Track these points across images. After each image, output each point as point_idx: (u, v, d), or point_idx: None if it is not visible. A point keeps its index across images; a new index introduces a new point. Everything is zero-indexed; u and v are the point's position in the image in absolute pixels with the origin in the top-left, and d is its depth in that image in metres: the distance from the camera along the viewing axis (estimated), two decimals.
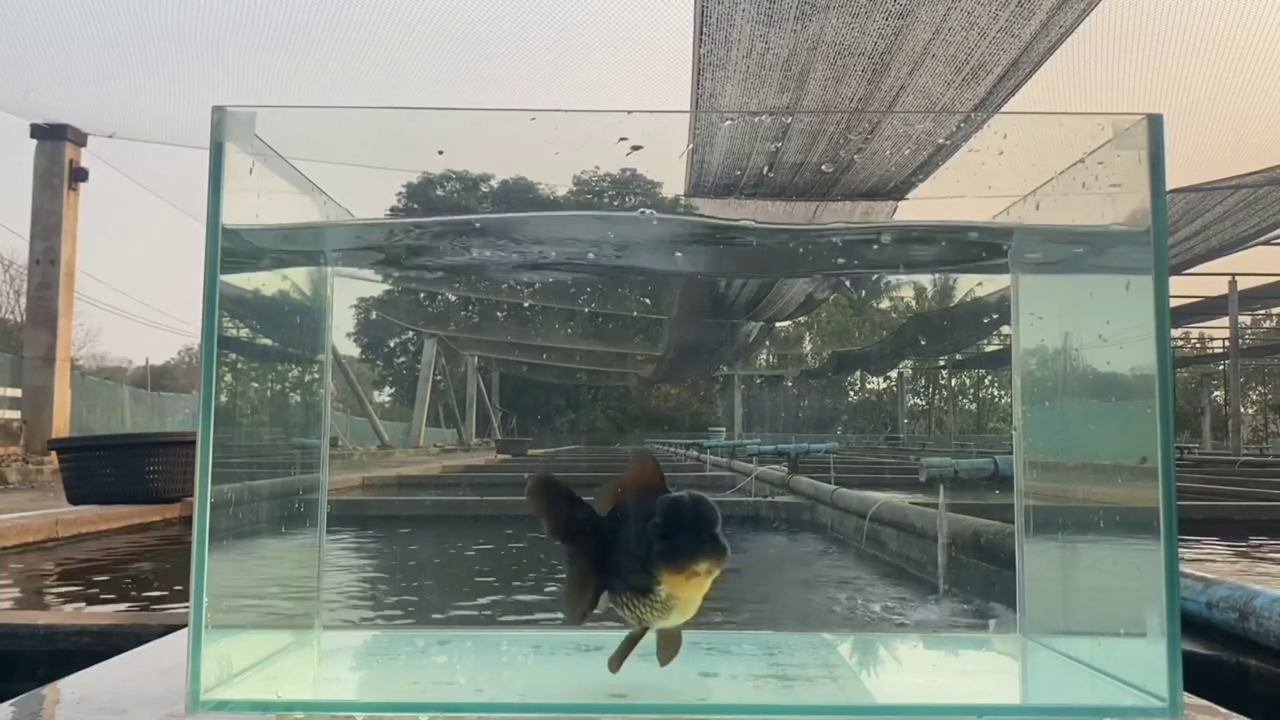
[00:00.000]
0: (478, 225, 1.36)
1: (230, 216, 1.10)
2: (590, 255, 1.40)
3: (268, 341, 1.33)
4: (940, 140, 1.38)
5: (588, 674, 1.16)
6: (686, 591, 1.05)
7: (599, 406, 43.02)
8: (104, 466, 5.81)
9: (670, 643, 1.15)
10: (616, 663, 1.13)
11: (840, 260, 1.39)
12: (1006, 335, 1.45)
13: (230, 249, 1.11)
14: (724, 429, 27.58)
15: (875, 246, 1.39)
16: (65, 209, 11.29)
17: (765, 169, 9.12)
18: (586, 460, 17.75)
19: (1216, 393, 35.61)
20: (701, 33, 6.90)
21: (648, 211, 1.27)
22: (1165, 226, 1.08)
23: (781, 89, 7.71)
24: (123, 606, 3.18)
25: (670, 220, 1.33)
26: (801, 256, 1.41)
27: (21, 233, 12.06)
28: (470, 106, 1.27)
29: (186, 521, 5.09)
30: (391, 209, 1.45)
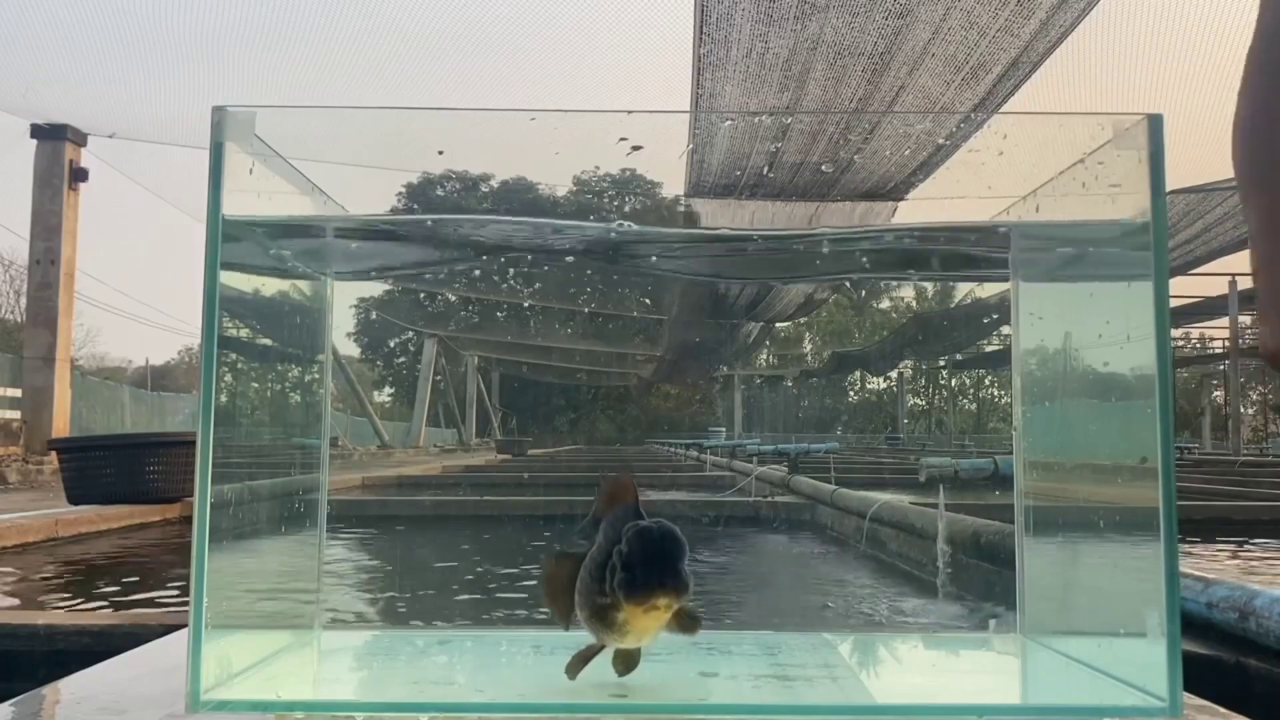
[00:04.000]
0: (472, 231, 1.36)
1: (230, 216, 1.10)
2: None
3: (268, 342, 1.33)
4: (940, 140, 1.38)
5: (587, 673, 1.15)
6: (643, 622, 1.07)
7: (599, 406, 43.04)
8: (104, 466, 5.80)
9: (628, 660, 1.16)
10: (574, 670, 1.14)
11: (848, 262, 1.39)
12: (1007, 335, 1.45)
13: (230, 249, 1.11)
14: (724, 429, 27.61)
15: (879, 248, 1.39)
16: (65, 209, 11.28)
17: (765, 169, 9.11)
18: (586, 460, 17.75)
19: (1216, 393, 35.61)
20: (701, 32, 6.90)
21: (625, 224, 1.27)
22: (1165, 227, 1.08)
23: (781, 89, 7.71)
24: (122, 606, 3.18)
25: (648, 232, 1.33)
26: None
27: (21, 233, 12.06)
28: (470, 106, 1.27)
29: (186, 521, 5.09)
30: (391, 210, 1.45)
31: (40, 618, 2.07)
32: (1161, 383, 1.06)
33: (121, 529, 5.29)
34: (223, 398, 1.13)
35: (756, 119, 10.74)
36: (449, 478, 11.30)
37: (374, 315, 35.89)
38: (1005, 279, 1.44)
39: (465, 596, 3.63)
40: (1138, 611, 1.10)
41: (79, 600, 3.36)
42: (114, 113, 10.54)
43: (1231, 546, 4.60)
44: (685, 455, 19.13)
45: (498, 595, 3.63)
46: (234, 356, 1.22)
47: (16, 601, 3.34)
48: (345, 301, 1.46)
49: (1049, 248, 1.40)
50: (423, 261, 1.52)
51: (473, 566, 4.48)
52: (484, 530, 5.98)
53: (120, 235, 65.14)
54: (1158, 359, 1.06)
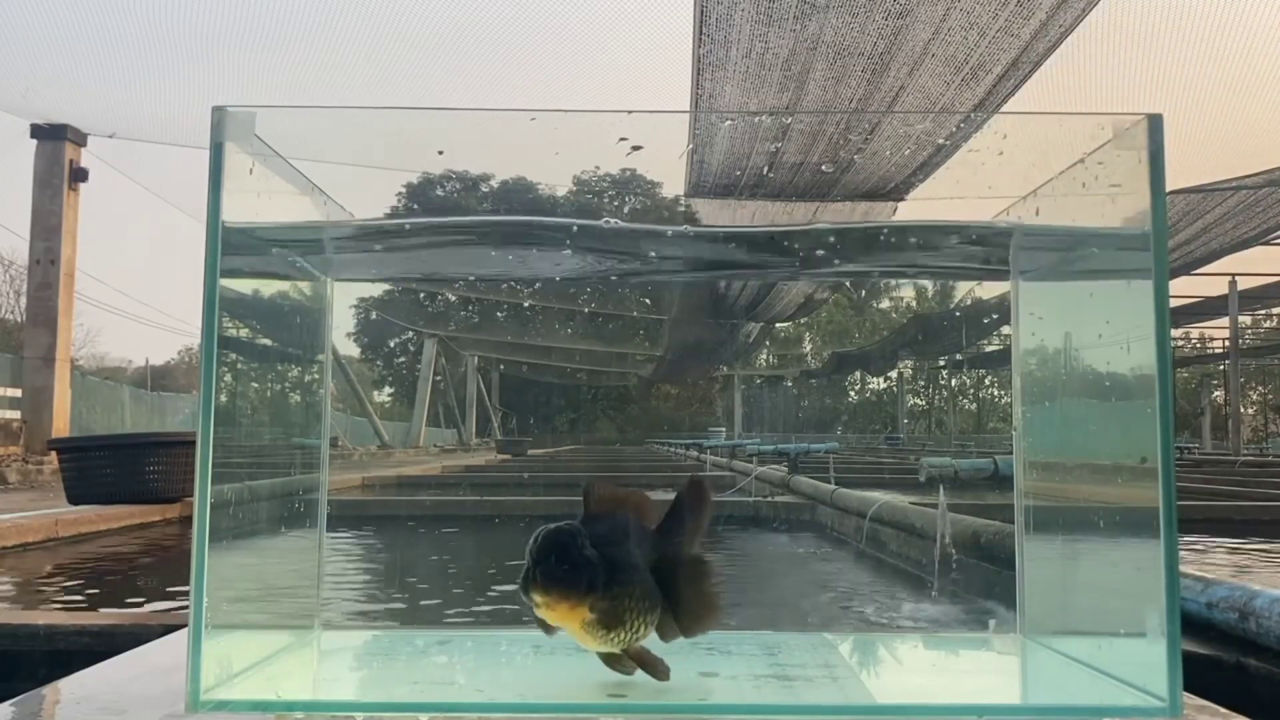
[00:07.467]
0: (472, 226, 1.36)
1: (230, 216, 1.10)
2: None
3: (268, 342, 1.33)
4: (940, 140, 1.38)
5: (587, 674, 1.16)
6: (549, 618, 1.08)
7: (599, 407, 43.04)
8: (104, 466, 5.80)
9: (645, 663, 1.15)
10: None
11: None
12: (1007, 335, 1.45)
13: (230, 249, 1.11)
14: (724, 429, 27.62)
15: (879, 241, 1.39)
16: (65, 209, 11.28)
17: (765, 169, 9.11)
18: (587, 460, 17.75)
19: (1216, 393, 35.60)
20: (701, 33, 6.90)
21: (611, 220, 1.27)
22: (1165, 227, 1.08)
23: (781, 89, 7.70)
24: (123, 607, 3.18)
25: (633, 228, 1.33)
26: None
27: (21, 233, 12.06)
28: (470, 107, 1.27)
29: (186, 521, 5.09)
30: (391, 209, 1.45)
31: (40, 618, 2.07)
32: (1161, 383, 1.06)
33: (121, 529, 5.29)
34: (223, 398, 1.13)
35: (756, 119, 10.74)
36: (449, 478, 11.30)
37: (374, 315, 35.88)
38: (1005, 279, 1.44)
39: (463, 595, 3.63)
40: (1137, 611, 1.10)
41: (79, 600, 3.36)
42: (114, 113, 10.54)
43: (1231, 546, 4.59)
44: (685, 455, 19.14)
45: (496, 593, 3.63)
46: (234, 356, 1.22)
47: (17, 602, 3.34)
48: (345, 301, 1.45)
49: (1049, 247, 1.39)
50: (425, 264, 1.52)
51: (472, 566, 4.48)
52: (483, 530, 5.98)
53: (120, 235, 65.20)
54: (1158, 359, 1.06)
